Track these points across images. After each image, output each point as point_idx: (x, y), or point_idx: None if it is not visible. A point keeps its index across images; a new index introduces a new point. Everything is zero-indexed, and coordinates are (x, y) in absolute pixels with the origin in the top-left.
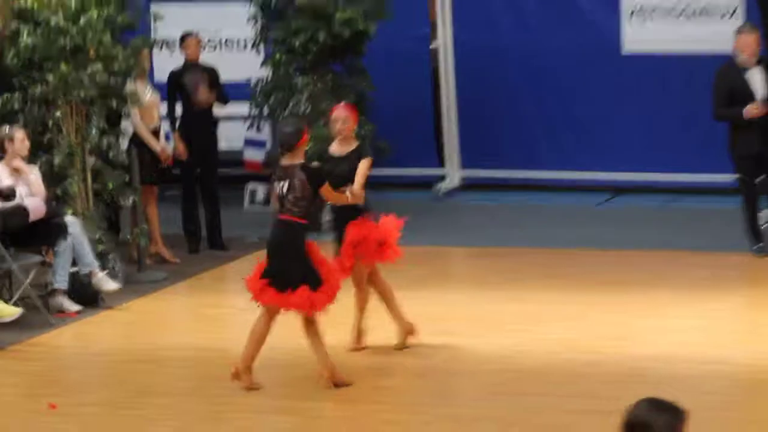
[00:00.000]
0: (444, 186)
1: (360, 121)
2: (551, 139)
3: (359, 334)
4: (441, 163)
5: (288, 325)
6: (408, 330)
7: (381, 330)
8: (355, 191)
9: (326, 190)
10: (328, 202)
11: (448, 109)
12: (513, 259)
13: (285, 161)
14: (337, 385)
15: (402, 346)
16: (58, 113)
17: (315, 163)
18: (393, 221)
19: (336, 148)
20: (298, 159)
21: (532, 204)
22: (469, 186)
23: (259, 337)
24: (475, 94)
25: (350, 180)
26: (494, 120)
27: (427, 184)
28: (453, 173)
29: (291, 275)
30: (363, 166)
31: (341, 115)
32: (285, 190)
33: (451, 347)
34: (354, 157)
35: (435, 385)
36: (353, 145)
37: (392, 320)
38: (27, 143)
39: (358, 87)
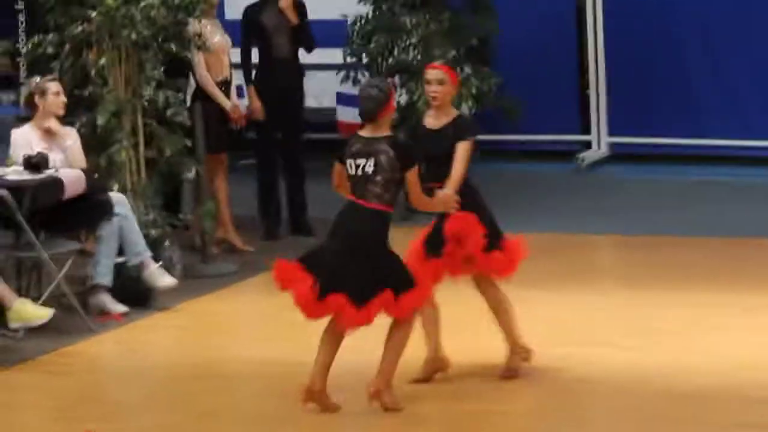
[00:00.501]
0: (588, 156)
1: (484, 73)
2: (726, 100)
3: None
4: (585, 128)
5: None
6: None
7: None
8: (445, 195)
9: (413, 176)
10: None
11: (596, 61)
12: (675, 251)
13: (365, 132)
14: (386, 408)
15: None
16: (102, 60)
17: (402, 138)
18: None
19: (430, 120)
20: (384, 131)
21: (699, 180)
22: (619, 156)
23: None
24: (630, 42)
25: (444, 162)
26: (653, 75)
27: (568, 154)
28: (600, 141)
29: (370, 280)
30: (461, 155)
31: (435, 75)
32: (371, 169)
33: (592, 363)
34: (449, 133)
35: (567, 411)
36: (451, 116)
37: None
38: (63, 98)
39: (481, 29)
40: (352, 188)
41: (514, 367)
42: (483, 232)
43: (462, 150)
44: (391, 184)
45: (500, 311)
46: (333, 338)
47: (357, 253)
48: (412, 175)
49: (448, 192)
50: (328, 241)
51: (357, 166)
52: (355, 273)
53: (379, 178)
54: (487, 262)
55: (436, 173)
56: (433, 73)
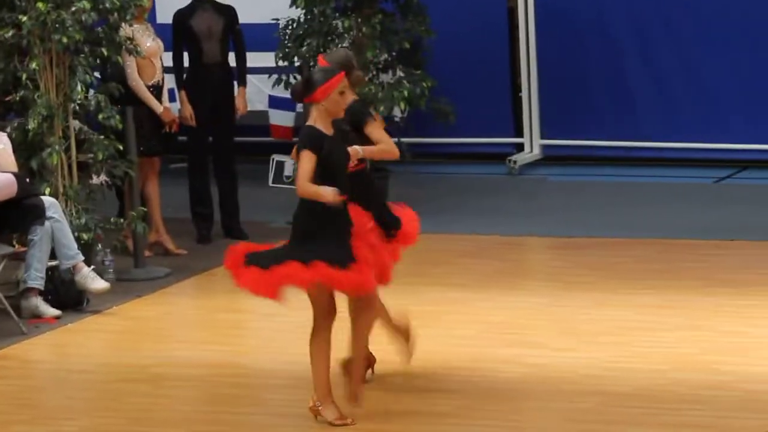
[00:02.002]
0: (521, 158)
1: (416, 76)
2: (661, 101)
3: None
4: (517, 130)
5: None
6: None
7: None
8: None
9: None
10: None
11: (528, 63)
12: (607, 252)
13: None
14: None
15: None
16: (33, 65)
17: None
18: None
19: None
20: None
21: (631, 182)
22: (551, 159)
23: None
24: (562, 43)
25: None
26: (585, 77)
27: (500, 156)
28: (532, 143)
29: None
30: (379, 131)
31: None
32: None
33: (526, 363)
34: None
35: (503, 410)
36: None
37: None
38: None
39: (413, 32)
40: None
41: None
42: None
43: (374, 128)
44: None
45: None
46: (321, 347)
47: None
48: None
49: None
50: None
51: None
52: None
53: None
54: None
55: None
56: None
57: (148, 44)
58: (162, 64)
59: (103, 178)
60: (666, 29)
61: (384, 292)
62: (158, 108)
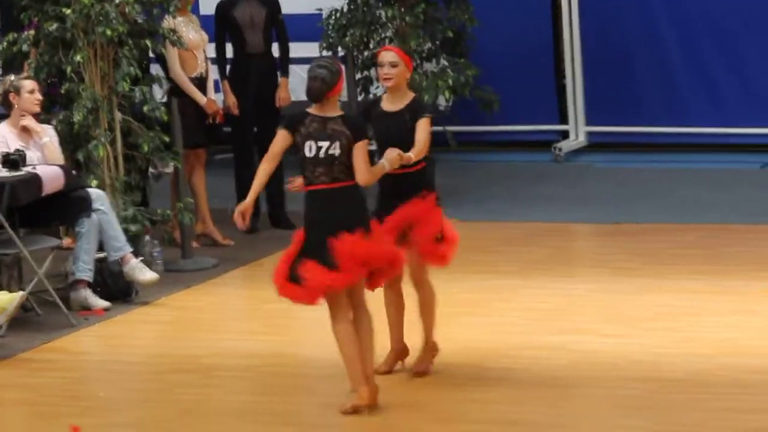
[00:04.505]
0: (566, 146)
1: (460, 65)
2: (706, 87)
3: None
4: (563, 117)
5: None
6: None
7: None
8: (391, 153)
9: (360, 149)
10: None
11: (572, 50)
12: (653, 238)
13: (318, 111)
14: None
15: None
16: (78, 57)
17: (353, 114)
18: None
19: (386, 104)
20: (335, 110)
21: (676, 168)
22: (597, 146)
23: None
24: (607, 30)
25: (402, 144)
26: (630, 63)
27: (545, 143)
28: (577, 130)
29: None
30: (423, 129)
31: (388, 57)
32: (337, 151)
33: (573, 350)
34: (407, 115)
35: (551, 398)
36: (407, 99)
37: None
38: (39, 96)
39: (457, 21)
40: (311, 170)
41: (427, 366)
42: (438, 224)
43: (423, 124)
44: (351, 162)
45: (431, 307)
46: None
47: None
48: (360, 149)
49: (394, 150)
50: (318, 234)
51: (319, 148)
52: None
53: (345, 158)
54: (434, 252)
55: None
56: (386, 55)
57: (191, 36)
58: (206, 56)
59: (152, 169)
60: (708, 15)
61: (433, 279)
62: (201, 99)
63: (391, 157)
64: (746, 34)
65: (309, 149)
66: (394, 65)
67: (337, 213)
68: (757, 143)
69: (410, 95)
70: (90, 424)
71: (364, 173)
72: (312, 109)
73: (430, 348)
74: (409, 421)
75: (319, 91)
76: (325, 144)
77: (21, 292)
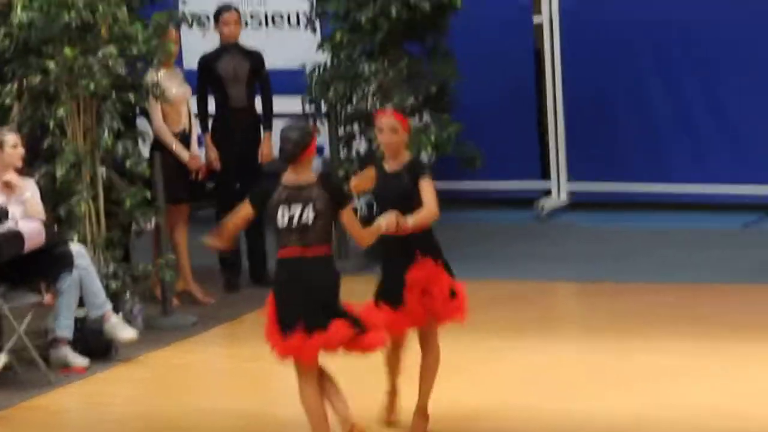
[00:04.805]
0: (548, 203)
1: (442, 120)
2: (691, 144)
3: (393, 399)
4: (545, 174)
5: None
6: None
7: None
8: (389, 217)
9: (348, 215)
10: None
11: (554, 107)
12: (635, 298)
13: (291, 177)
14: None
15: None
16: (60, 111)
17: (332, 176)
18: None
19: (387, 164)
20: (308, 175)
21: (659, 227)
22: (579, 204)
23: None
24: (589, 87)
25: (404, 204)
26: (615, 119)
27: (528, 201)
28: (560, 188)
29: (329, 312)
30: (428, 191)
31: (388, 124)
32: (311, 217)
33: (555, 410)
34: (405, 176)
35: None
36: (405, 159)
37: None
38: (21, 150)
39: (440, 76)
40: (285, 238)
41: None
42: (448, 282)
43: (426, 186)
44: (329, 226)
45: (434, 369)
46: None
47: (313, 298)
48: (348, 215)
49: (391, 215)
50: (289, 303)
51: (292, 216)
52: (313, 309)
53: (320, 224)
54: (448, 310)
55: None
56: (385, 121)
57: (174, 91)
58: (189, 110)
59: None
60: (694, 71)
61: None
62: (184, 155)
63: (389, 220)
64: (732, 89)
65: (282, 216)
66: (394, 130)
67: (306, 283)
68: (739, 202)
69: (407, 155)
70: None
71: (361, 238)
72: (286, 175)
73: (423, 413)
74: None
75: (291, 152)
76: (297, 211)
77: (2, 357)
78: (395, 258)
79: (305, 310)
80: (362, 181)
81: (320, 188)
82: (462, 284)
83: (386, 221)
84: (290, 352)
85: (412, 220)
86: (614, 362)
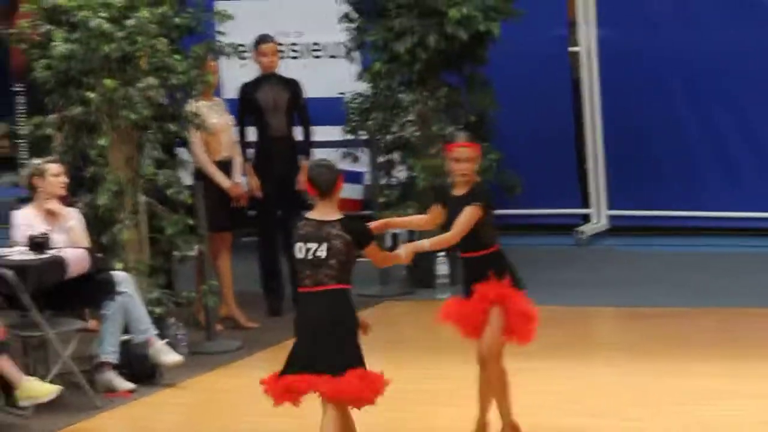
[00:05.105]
0: (588, 229)
1: (483, 149)
2: (726, 171)
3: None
4: (584, 201)
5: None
6: None
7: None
8: (406, 247)
9: (373, 250)
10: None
11: (593, 134)
12: (676, 321)
13: (315, 215)
14: None
15: None
16: (102, 141)
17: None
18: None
19: (456, 188)
20: (334, 213)
21: (699, 252)
22: (619, 229)
23: None
24: (627, 114)
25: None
26: (651, 146)
27: (567, 227)
28: (599, 213)
29: (337, 357)
30: (464, 215)
31: (465, 154)
32: (324, 254)
33: None
34: (468, 200)
35: None
36: (472, 183)
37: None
38: (63, 179)
39: (478, 105)
40: (300, 273)
41: None
42: (524, 301)
43: (466, 211)
44: (347, 265)
45: (497, 386)
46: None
47: (324, 334)
48: (371, 250)
49: (409, 246)
50: (299, 339)
51: (308, 250)
52: (321, 352)
53: (333, 261)
54: (522, 329)
55: (462, 242)
56: (463, 151)
57: (214, 120)
58: (231, 139)
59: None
60: (726, 99)
61: (452, 363)
62: (225, 183)
63: (408, 250)
64: (765, 116)
65: (299, 250)
66: (471, 160)
67: (317, 317)
68: None
69: (474, 179)
70: None
71: (380, 262)
72: (312, 212)
73: (483, 427)
74: None
75: (327, 188)
76: (313, 246)
77: (57, 387)
78: (469, 279)
79: (308, 351)
80: (431, 218)
81: (342, 229)
82: (536, 310)
83: (405, 252)
84: (275, 393)
85: (429, 243)
86: (652, 385)
